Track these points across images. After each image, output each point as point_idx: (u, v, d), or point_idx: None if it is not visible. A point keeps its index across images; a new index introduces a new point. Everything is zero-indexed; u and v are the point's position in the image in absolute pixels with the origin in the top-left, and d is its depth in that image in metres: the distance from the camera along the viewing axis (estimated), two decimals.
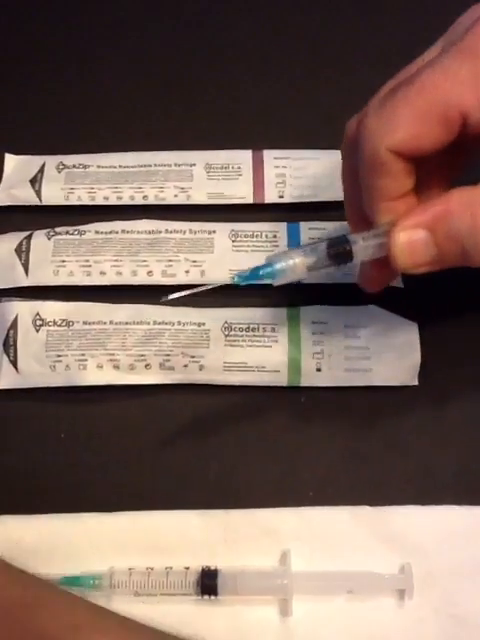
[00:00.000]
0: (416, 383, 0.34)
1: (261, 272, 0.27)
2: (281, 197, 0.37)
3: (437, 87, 0.26)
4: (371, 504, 0.33)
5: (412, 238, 0.26)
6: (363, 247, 0.28)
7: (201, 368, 0.34)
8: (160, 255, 0.36)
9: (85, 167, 0.38)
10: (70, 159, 0.38)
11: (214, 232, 0.36)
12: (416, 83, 0.26)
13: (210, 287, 0.27)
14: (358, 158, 0.28)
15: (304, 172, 0.38)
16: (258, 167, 0.38)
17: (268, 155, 0.38)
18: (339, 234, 0.28)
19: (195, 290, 0.27)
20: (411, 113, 0.26)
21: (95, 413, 0.35)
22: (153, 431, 0.35)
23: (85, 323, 0.35)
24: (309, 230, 0.36)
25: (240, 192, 0.37)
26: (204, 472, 0.34)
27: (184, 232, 0.36)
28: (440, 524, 0.32)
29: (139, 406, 0.35)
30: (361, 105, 0.40)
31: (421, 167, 0.28)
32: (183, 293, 0.27)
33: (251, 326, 0.35)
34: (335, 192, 0.37)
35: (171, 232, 0.36)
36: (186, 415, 0.35)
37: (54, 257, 0.36)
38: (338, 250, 0.27)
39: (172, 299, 0.27)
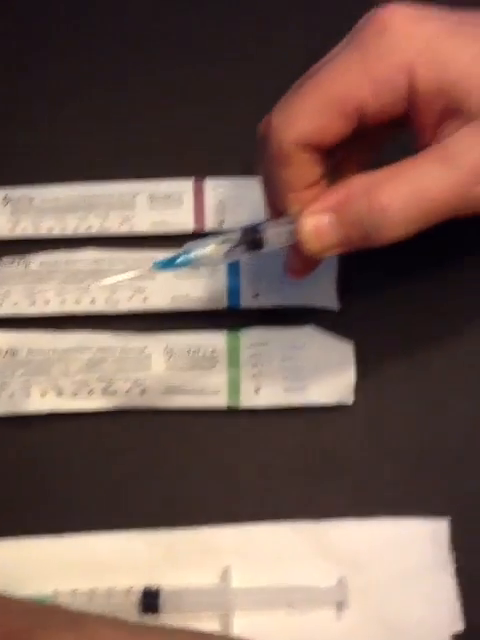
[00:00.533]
0: (351, 401, 0.35)
1: (178, 260, 0.28)
2: (222, 223, 0.39)
3: (334, 82, 0.29)
4: (310, 518, 0.34)
5: (318, 223, 0.29)
6: (274, 234, 0.29)
7: (143, 393, 0.35)
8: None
9: (30, 199, 0.39)
10: (15, 192, 0.39)
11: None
12: (315, 79, 0.29)
13: (134, 275, 0.29)
14: (266, 152, 0.30)
15: (243, 200, 0.39)
16: (199, 195, 0.39)
17: (209, 183, 0.39)
18: (253, 223, 0.30)
19: (123, 276, 0.29)
20: (311, 107, 0.29)
21: (39, 437, 0.36)
22: (96, 455, 0.36)
23: (29, 351, 0.36)
24: None
25: (182, 220, 0.39)
26: (147, 493, 0.35)
27: (127, 261, 0.38)
28: (375, 536, 0.34)
29: (82, 430, 0.36)
30: None
31: (336, 154, 0.31)
32: (115, 278, 0.29)
33: (192, 349, 0.36)
34: None
35: (114, 261, 0.38)
36: (129, 438, 0.36)
37: None
38: (250, 237, 0.29)
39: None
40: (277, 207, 0.31)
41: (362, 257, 0.36)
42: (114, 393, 0.35)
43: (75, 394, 0.35)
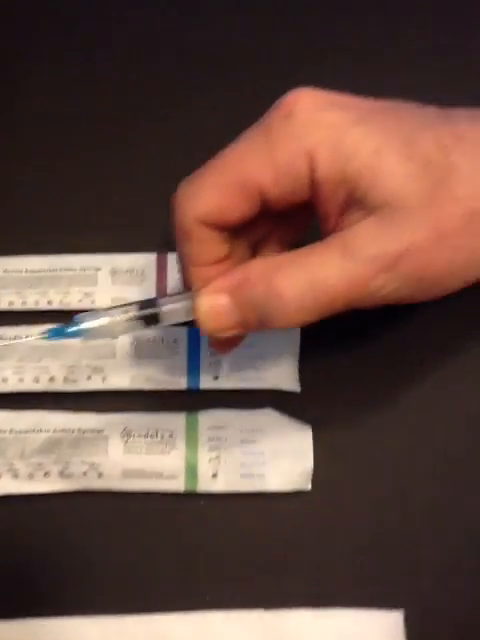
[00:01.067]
0: (309, 488, 0.35)
1: (69, 330, 0.29)
2: None
3: (237, 163, 0.29)
4: (265, 607, 0.34)
5: (214, 303, 0.29)
6: (171, 310, 0.30)
7: (100, 476, 0.35)
8: (62, 361, 0.37)
9: None
10: None
11: (116, 338, 0.37)
12: (220, 158, 0.29)
13: (25, 341, 0.32)
14: (173, 227, 0.30)
15: None
16: (161, 272, 0.39)
17: (171, 258, 0.39)
18: (150, 296, 0.30)
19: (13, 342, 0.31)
20: (212, 185, 0.29)
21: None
22: (51, 538, 0.35)
23: None
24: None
25: (144, 297, 0.38)
26: (101, 577, 0.35)
27: None
28: (330, 627, 0.34)
29: (37, 513, 0.35)
30: None
31: (256, 231, 0.31)
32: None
33: (150, 432, 0.36)
34: None
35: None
36: (84, 522, 0.35)
37: None
38: (146, 312, 0.29)
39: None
40: (185, 280, 0.31)
41: (322, 338, 0.36)
42: (70, 476, 0.35)
43: (31, 476, 0.35)
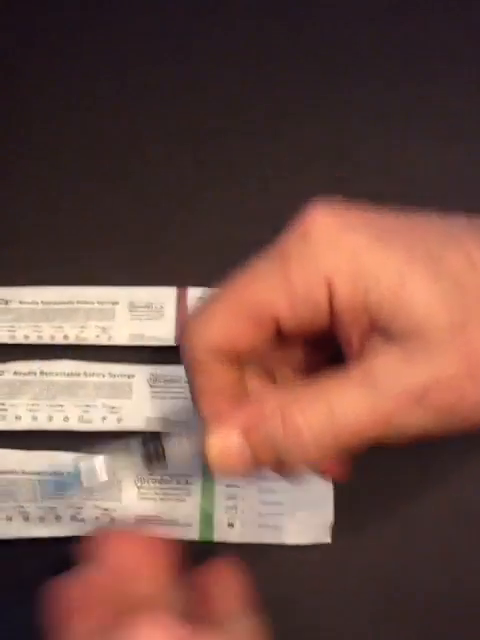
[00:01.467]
0: (328, 541, 0.34)
1: (67, 480, 0.27)
2: None
3: (249, 289, 0.26)
4: None
5: (226, 443, 0.26)
6: (178, 449, 0.27)
7: (112, 522, 0.34)
8: (78, 400, 0.36)
9: (6, 302, 0.38)
10: None
11: (133, 376, 0.36)
12: (231, 285, 0.27)
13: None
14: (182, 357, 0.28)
15: None
16: (182, 306, 0.38)
17: (192, 293, 0.38)
18: (154, 431, 0.28)
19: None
20: (224, 314, 0.27)
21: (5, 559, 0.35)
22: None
23: None
24: None
25: (162, 333, 0.37)
26: None
27: (103, 375, 0.36)
28: None
29: (47, 556, 0.34)
30: None
31: (266, 357, 0.29)
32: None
33: (164, 478, 0.34)
34: None
35: (90, 375, 0.36)
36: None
37: None
38: (150, 450, 0.27)
39: None
40: (197, 409, 0.29)
41: None
42: (83, 520, 0.34)
43: (42, 519, 0.34)
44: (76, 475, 0.27)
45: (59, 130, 0.43)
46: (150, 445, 0.27)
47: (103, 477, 0.27)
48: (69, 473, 0.27)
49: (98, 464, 0.27)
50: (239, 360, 0.28)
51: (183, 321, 0.27)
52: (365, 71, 0.45)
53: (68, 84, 0.45)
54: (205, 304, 0.28)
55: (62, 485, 0.27)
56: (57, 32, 0.46)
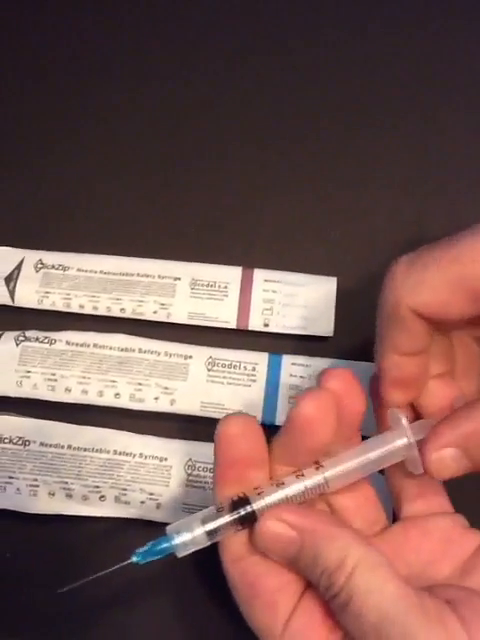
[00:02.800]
0: None
1: (160, 547, 0.25)
2: (266, 325, 0.35)
3: (469, 257, 0.24)
4: None
5: (443, 456, 0.25)
6: (266, 508, 0.25)
7: (158, 507, 0.32)
8: (130, 377, 0.34)
9: (64, 269, 0.36)
10: (50, 257, 0.37)
11: (190, 357, 0.34)
12: (452, 251, 0.25)
13: (111, 570, 0.25)
14: (379, 305, 0.26)
15: (294, 300, 0.35)
16: (246, 288, 0.36)
17: (258, 275, 0.36)
18: (239, 494, 0.25)
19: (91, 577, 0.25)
20: (441, 279, 0.25)
21: (43, 535, 0.33)
22: (101, 562, 0.33)
23: (42, 444, 0.33)
24: (292, 365, 0.34)
25: (223, 315, 0.35)
26: (152, 611, 0.32)
27: (159, 354, 0.34)
28: None
29: (90, 534, 0.33)
30: (364, 233, 0.39)
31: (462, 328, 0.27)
32: (81, 582, 0.25)
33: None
34: (324, 326, 0.35)
35: (145, 352, 0.34)
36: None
37: (19, 366, 0.34)
38: (241, 514, 0.25)
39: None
40: (380, 364, 0.27)
41: None
42: (127, 503, 0.32)
43: (85, 498, 0.32)
44: (167, 539, 0.25)
45: (141, 102, 0.42)
46: (239, 506, 0.25)
47: (195, 533, 0.25)
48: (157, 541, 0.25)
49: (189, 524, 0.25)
50: (438, 327, 0.26)
51: (392, 270, 0.26)
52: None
53: (146, 77, 0.43)
54: (417, 260, 0.26)
55: (152, 551, 0.25)
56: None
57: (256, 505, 0.25)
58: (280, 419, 0.34)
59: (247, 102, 0.42)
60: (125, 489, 0.32)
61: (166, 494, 0.32)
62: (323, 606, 0.25)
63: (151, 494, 0.32)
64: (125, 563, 0.25)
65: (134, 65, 0.44)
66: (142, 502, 0.32)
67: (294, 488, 0.25)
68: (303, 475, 0.25)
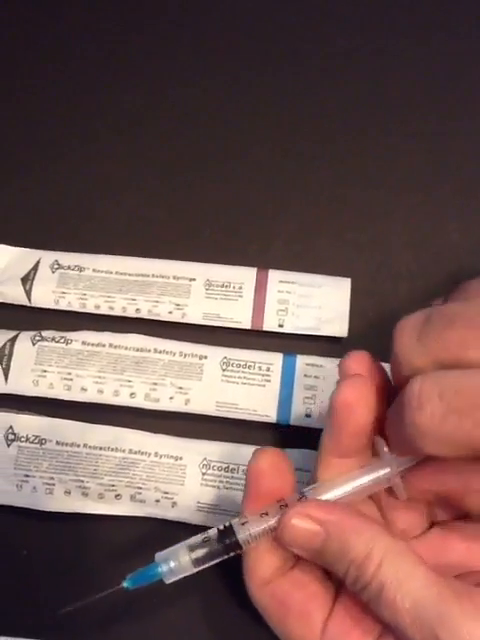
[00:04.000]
0: None
1: (148, 573, 0.26)
2: (281, 326, 0.35)
3: None
4: None
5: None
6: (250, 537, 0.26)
7: (174, 505, 0.32)
8: (145, 376, 0.34)
9: (80, 269, 0.36)
10: (66, 258, 0.37)
11: (205, 357, 0.35)
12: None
13: (101, 596, 0.26)
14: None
15: (308, 301, 0.36)
16: (261, 289, 0.36)
17: (273, 276, 0.36)
18: (225, 524, 0.26)
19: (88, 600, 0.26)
20: None
21: (60, 533, 0.33)
22: (118, 560, 0.33)
23: (58, 443, 0.33)
24: (306, 365, 0.34)
25: (238, 315, 0.36)
26: (167, 611, 0.32)
27: (174, 354, 0.35)
28: None
29: (106, 532, 0.33)
30: (379, 234, 0.39)
31: None
32: (77, 605, 0.26)
33: (231, 466, 0.33)
34: (338, 327, 0.35)
35: (160, 352, 0.35)
36: (154, 549, 0.33)
37: (36, 366, 0.35)
38: (225, 542, 0.26)
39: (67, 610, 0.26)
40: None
41: None
42: (143, 502, 0.32)
43: (101, 497, 0.33)
44: (155, 566, 0.26)
45: (156, 101, 0.43)
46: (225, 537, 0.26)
47: (182, 558, 0.26)
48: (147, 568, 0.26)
49: (176, 551, 0.26)
50: None
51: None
52: None
53: (164, 77, 0.44)
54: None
55: (141, 577, 0.26)
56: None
57: (240, 535, 0.26)
58: (295, 418, 0.34)
59: (263, 103, 0.42)
60: (140, 488, 0.33)
61: (181, 493, 0.33)
62: (356, 610, 0.25)
63: (166, 493, 0.33)
64: (116, 588, 0.26)
65: (153, 65, 0.44)
66: (157, 501, 0.33)
67: (275, 519, 0.26)
68: (286, 505, 0.26)
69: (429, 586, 0.23)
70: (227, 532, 0.26)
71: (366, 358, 0.27)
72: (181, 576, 0.26)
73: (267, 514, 0.26)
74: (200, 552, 0.26)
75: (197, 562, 0.26)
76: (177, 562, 0.26)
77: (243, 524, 0.26)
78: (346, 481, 0.26)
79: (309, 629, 0.25)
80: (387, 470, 0.26)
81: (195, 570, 0.26)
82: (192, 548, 0.26)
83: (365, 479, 0.26)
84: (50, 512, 0.33)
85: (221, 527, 0.26)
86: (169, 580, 0.26)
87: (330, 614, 0.26)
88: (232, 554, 0.26)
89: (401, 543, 0.24)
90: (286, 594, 0.26)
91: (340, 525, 0.24)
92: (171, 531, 0.33)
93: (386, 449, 0.26)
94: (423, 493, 0.26)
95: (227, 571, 0.30)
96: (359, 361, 0.27)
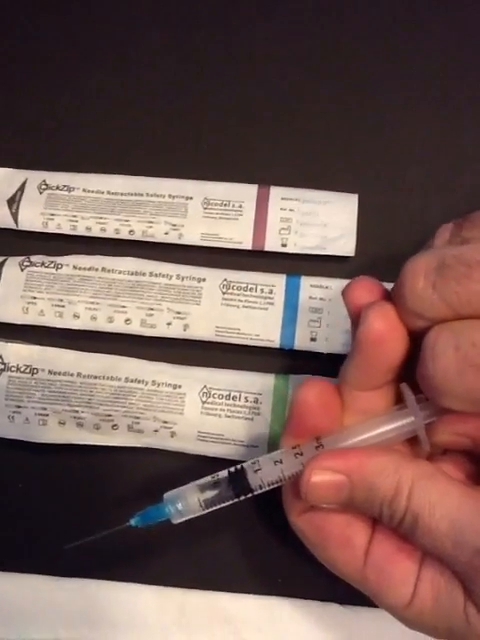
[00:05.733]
0: None
1: (156, 512, 0.25)
2: (284, 246, 0.33)
3: None
4: (340, 602, 0.30)
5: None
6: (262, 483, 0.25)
7: (173, 435, 0.31)
8: (141, 302, 0.32)
9: (69, 189, 0.34)
10: (54, 177, 0.35)
11: (204, 280, 0.33)
12: None
13: (108, 533, 0.25)
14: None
15: (313, 219, 0.33)
16: (262, 207, 0.33)
17: (275, 193, 0.34)
18: (237, 467, 0.25)
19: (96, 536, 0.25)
20: None
21: (56, 464, 0.32)
22: (115, 492, 0.32)
23: (50, 372, 0.32)
24: (311, 287, 0.32)
25: (238, 235, 0.33)
26: (165, 545, 0.31)
27: (170, 277, 0.33)
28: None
29: (103, 464, 0.32)
30: (388, 147, 0.36)
31: None
32: (84, 540, 0.25)
33: (232, 394, 0.31)
34: (344, 245, 0.33)
35: (156, 275, 0.33)
36: (152, 481, 0.32)
37: (25, 292, 0.33)
38: (238, 483, 0.25)
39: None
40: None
41: None
42: (141, 431, 0.31)
43: (97, 427, 0.31)
44: (164, 505, 0.25)
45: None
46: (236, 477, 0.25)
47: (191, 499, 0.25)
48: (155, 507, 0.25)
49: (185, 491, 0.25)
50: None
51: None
52: None
53: None
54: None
55: (149, 516, 0.25)
56: None
57: (251, 479, 0.25)
58: (299, 343, 0.32)
59: (267, 7, 0.39)
60: (138, 417, 0.31)
61: (181, 422, 0.31)
62: (398, 534, 0.24)
63: (165, 422, 0.31)
64: (123, 526, 0.25)
65: None
66: (156, 431, 0.31)
67: (291, 466, 0.25)
68: (302, 454, 0.25)
69: (464, 503, 0.22)
70: (239, 475, 0.25)
71: (374, 285, 0.24)
72: (189, 517, 0.25)
73: (302, 454, 0.25)
74: (210, 494, 0.25)
75: (206, 504, 0.25)
76: (186, 503, 0.25)
77: (256, 471, 0.25)
78: (366, 430, 0.25)
79: (351, 554, 0.25)
80: (411, 419, 0.24)
81: (204, 512, 0.25)
82: (202, 489, 0.25)
83: (387, 428, 0.24)
84: (44, 444, 0.31)
85: (232, 469, 0.25)
86: (177, 520, 0.25)
87: (371, 538, 0.25)
88: (242, 498, 0.25)
89: (428, 466, 0.23)
90: (323, 521, 0.25)
91: (361, 469, 0.23)
92: (171, 462, 0.32)
93: (413, 397, 0.24)
94: (457, 440, 0.25)
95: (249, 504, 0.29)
96: (367, 289, 0.24)
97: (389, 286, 0.24)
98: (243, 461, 0.30)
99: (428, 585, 0.24)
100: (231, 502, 0.25)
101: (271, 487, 0.25)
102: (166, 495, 0.25)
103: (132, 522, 0.25)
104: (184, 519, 0.25)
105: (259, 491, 0.25)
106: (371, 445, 0.25)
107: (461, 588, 0.23)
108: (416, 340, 0.23)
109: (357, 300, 0.24)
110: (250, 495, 0.25)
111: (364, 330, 0.23)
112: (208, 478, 0.25)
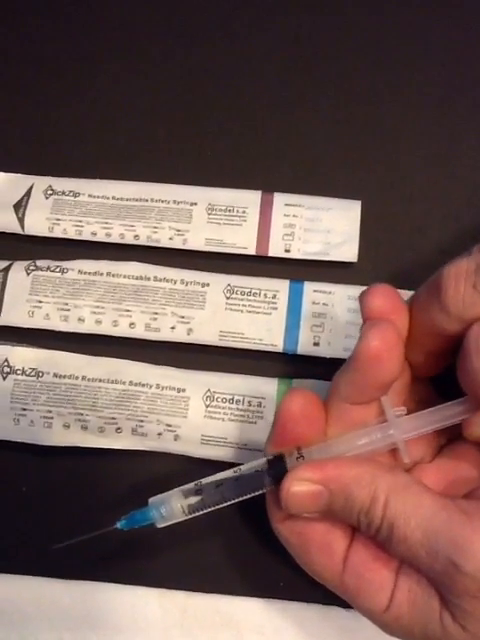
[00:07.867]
0: None
1: (141, 516, 0.26)
2: (287, 251, 0.34)
3: None
4: (342, 605, 0.30)
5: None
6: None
7: (176, 438, 0.31)
8: (145, 306, 0.33)
9: (75, 195, 0.35)
10: (60, 183, 0.35)
11: (208, 285, 0.33)
12: None
13: (95, 534, 0.26)
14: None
15: (316, 225, 0.34)
16: (266, 213, 0.34)
17: (278, 199, 0.34)
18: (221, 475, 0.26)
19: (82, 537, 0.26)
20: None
21: (60, 468, 0.32)
22: (118, 496, 0.32)
23: (56, 376, 0.32)
24: (314, 292, 0.33)
25: (242, 241, 0.34)
26: (168, 547, 0.31)
27: (175, 282, 0.33)
28: None
29: (107, 467, 0.32)
30: (390, 154, 0.36)
31: None
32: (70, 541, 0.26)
33: (235, 398, 0.32)
34: (347, 251, 0.33)
35: (161, 280, 0.33)
36: (155, 484, 0.32)
37: (31, 296, 0.33)
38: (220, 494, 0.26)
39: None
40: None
41: None
42: (145, 435, 0.31)
43: (101, 430, 0.31)
44: (148, 510, 0.26)
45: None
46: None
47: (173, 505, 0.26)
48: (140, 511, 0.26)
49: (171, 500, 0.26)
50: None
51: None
52: None
53: None
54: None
55: (136, 520, 0.26)
56: None
57: (234, 490, 0.26)
58: (302, 347, 0.32)
59: (268, 17, 0.39)
60: (142, 421, 0.31)
61: (184, 426, 0.31)
62: (376, 541, 0.25)
63: (169, 426, 0.31)
64: (110, 529, 0.26)
65: None
66: (159, 434, 0.31)
67: (270, 486, 0.26)
68: (284, 463, 0.25)
69: (437, 512, 0.23)
70: (222, 484, 0.26)
71: (392, 293, 0.25)
72: (173, 522, 0.26)
73: (284, 463, 0.25)
74: (193, 500, 0.26)
75: (189, 509, 0.26)
76: (169, 508, 0.26)
77: (237, 480, 0.26)
78: (346, 442, 0.25)
79: (330, 560, 0.25)
80: (391, 432, 0.25)
81: (187, 517, 0.26)
82: (186, 494, 0.26)
83: (366, 440, 0.25)
84: (49, 446, 0.32)
85: (217, 478, 0.26)
86: (160, 525, 0.26)
87: (350, 545, 0.25)
88: (225, 505, 0.26)
89: (403, 477, 0.24)
90: (305, 526, 0.26)
91: (339, 479, 0.24)
92: (174, 465, 0.32)
93: (394, 412, 0.25)
94: None
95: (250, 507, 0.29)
96: (385, 296, 0.25)
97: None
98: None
99: (405, 592, 0.24)
100: (214, 508, 0.26)
101: (252, 495, 0.26)
102: (151, 500, 0.26)
103: (118, 525, 0.26)
104: (168, 524, 0.26)
105: (239, 499, 0.26)
106: (350, 456, 0.25)
107: (437, 596, 0.23)
108: (448, 343, 0.24)
109: (372, 309, 0.25)
110: (232, 502, 0.26)
111: (362, 346, 0.24)
112: (191, 484, 0.26)
